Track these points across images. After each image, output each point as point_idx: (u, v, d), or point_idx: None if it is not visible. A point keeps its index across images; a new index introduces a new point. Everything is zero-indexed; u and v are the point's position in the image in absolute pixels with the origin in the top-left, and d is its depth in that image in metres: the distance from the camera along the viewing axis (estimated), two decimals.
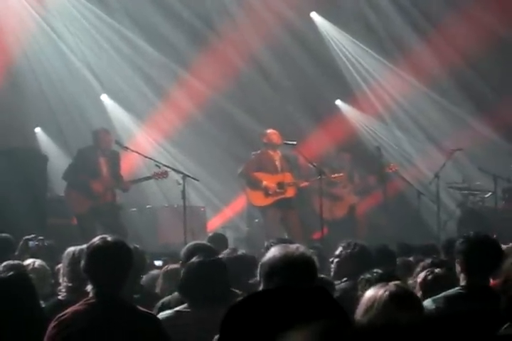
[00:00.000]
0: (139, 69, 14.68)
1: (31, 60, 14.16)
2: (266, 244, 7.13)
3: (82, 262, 4.09)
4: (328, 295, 1.91)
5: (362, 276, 4.66)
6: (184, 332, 4.29)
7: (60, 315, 3.97)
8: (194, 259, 5.03)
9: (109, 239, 4.09)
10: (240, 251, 6.43)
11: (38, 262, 6.20)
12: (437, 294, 4.52)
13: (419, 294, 4.63)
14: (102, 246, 4.04)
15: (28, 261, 6.24)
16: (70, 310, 4.00)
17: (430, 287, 4.69)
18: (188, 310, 4.79)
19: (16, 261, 6.12)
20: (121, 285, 4.05)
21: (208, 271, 4.86)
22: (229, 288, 4.91)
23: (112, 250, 4.02)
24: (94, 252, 4.05)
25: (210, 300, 4.68)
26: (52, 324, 3.94)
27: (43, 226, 10.85)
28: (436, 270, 4.85)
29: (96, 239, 4.11)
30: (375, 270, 4.66)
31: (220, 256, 5.81)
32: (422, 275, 4.83)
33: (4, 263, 6.00)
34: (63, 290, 5.23)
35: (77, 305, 4.04)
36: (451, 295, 4.49)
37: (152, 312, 4.18)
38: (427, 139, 14.63)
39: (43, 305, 5.02)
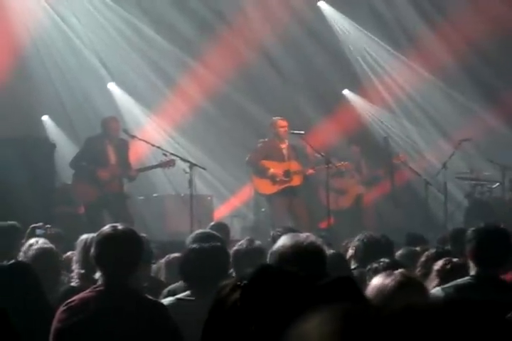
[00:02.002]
0: (148, 59, 14.67)
1: (40, 48, 14.16)
2: (272, 233, 7.13)
3: (92, 250, 4.11)
4: (355, 285, 1.89)
5: (369, 266, 4.66)
6: (184, 320, 4.29)
7: (69, 301, 4.00)
8: (191, 246, 5.03)
9: (119, 227, 4.10)
10: (257, 242, 6.37)
11: (41, 241, 6.23)
12: None
13: (435, 282, 4.65)
14: (111, 234, 4.05)
15: (32, 241, 6.26)
16: (78, 296, 4.02)
17: (448, 276, 4.69)
18: (191, 298, 4.79)
19: (49, 245, 6.13)
20: (130, 273, 4.07)
21: (205, 257, 4.85)
22: (227, 274, 4.89)
23: (122, 238, 4.03)
24: (104, 240, 4.06)
25: (211, 287, 4.65)
26: (61, 309, 3.97)
27: (50, 214, 10.86)
28: (454, 259, 4.86)
29: (106, 227, 4.14)
30: (382, 259, 4.67)
31: (237, 247, 5.76)
32: (439, 263, 4.84)
33: (36, 246, 6.01)
34: (75, 277, 5.25)
35: (86, 292, 4.06)
36: (461, 284, 4.50)
37: (160, 301, 4.20)
38: (435, 129, 14.61)
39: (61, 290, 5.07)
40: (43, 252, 5.92)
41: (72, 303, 3.96)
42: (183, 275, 4.98)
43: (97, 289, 4.03)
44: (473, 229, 4.76)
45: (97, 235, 4.15)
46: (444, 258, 4.93)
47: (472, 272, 4.59)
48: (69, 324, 3.90)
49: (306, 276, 1.89)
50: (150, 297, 4.18)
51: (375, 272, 4.37)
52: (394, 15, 14.36)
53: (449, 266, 4.79)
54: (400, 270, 3.69)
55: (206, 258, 4.85)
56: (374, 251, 5.82)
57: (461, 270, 4.71)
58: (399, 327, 1.36)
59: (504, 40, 13.63)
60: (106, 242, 4.05)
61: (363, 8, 14.61)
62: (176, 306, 4.66)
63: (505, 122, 13.96)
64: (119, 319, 3.92)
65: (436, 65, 14.15)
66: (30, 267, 4.68)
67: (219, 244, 5.26)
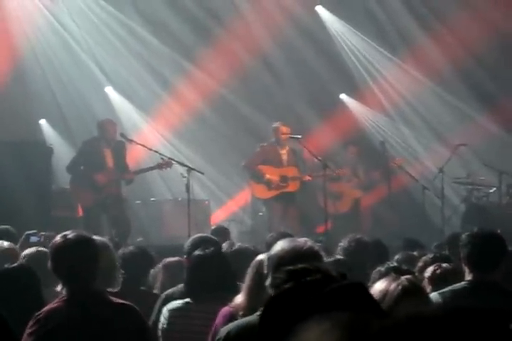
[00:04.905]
0: (145, 62, 14.68)
1: (37, 52, 14.17)
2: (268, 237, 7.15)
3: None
4: (366, 291, 1.89)
5: (376, 270, 4.65)
6: (192, 324, 4.30)
7: (37, 314, 4.00)
8: (196, 253, 5.04)
9: (69, 236, 4.09)
10: (238, 245, 6.43)
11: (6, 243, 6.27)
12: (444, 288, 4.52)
13: (428, 289, 4.62)
14: (62, 245, 4.07)
15: None
16: (45, 308, 4.03)
17: (439, 281, 4.68)
18: (200, 302, 4.81)
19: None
20: (91, 278, 4.05)
21: (210, 264, 4.87)
22: (234, 280, 4.91)
23: (73, 247, 4.03)
24: (56, 251, 4.09)
25: (214, 294, 4.67)
26: (30, 323, 3.97)
27: (47, 218, 10.87)
28: (444, 265, 4.84)
29: (57, 238, 4.14)
30: (389, 262, 4.65)
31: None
32: (430, 269, 4.80)
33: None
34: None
35: (52, 303, 4.07)
36: (458, 290, 4.47)
37: (129, 303, 4.19)
38: (432, 134, 14.62)
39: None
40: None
41: (40, 316, 3.97)
42: (188, 285, 4.97)
43: (62, 299, 4.03)
44: (467, 233, 4.74)
45: (50, 247, 4.17)
46: (435, 264, 4.91)
47: (468, 277, 4.58)
48: (38, 335, 3.89)
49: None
50: (119, 300, 4.14)
51: (380, 275, 4.34)
52: (391, 21, 14.39)
53: (438, 271, 4.77)
54: (406, 276, 3.66)
55: (212, 265, 4.87)
56: (351, 254, 5.92)
57: (452, 275, 4.70)
58: (402, 338, 1.35)
59: (500, 44, 13.67)
60: (58, 253, 4.07)
61: (360, 13, 14.64)
62: (185, 309, 4.69)
63: (502, 127, 13.98)
64: (88, 324, 3.94)
65: (433, 69, 14.17)
66: (32, 270, 4.68)
67: (220, 250, 5.32)
